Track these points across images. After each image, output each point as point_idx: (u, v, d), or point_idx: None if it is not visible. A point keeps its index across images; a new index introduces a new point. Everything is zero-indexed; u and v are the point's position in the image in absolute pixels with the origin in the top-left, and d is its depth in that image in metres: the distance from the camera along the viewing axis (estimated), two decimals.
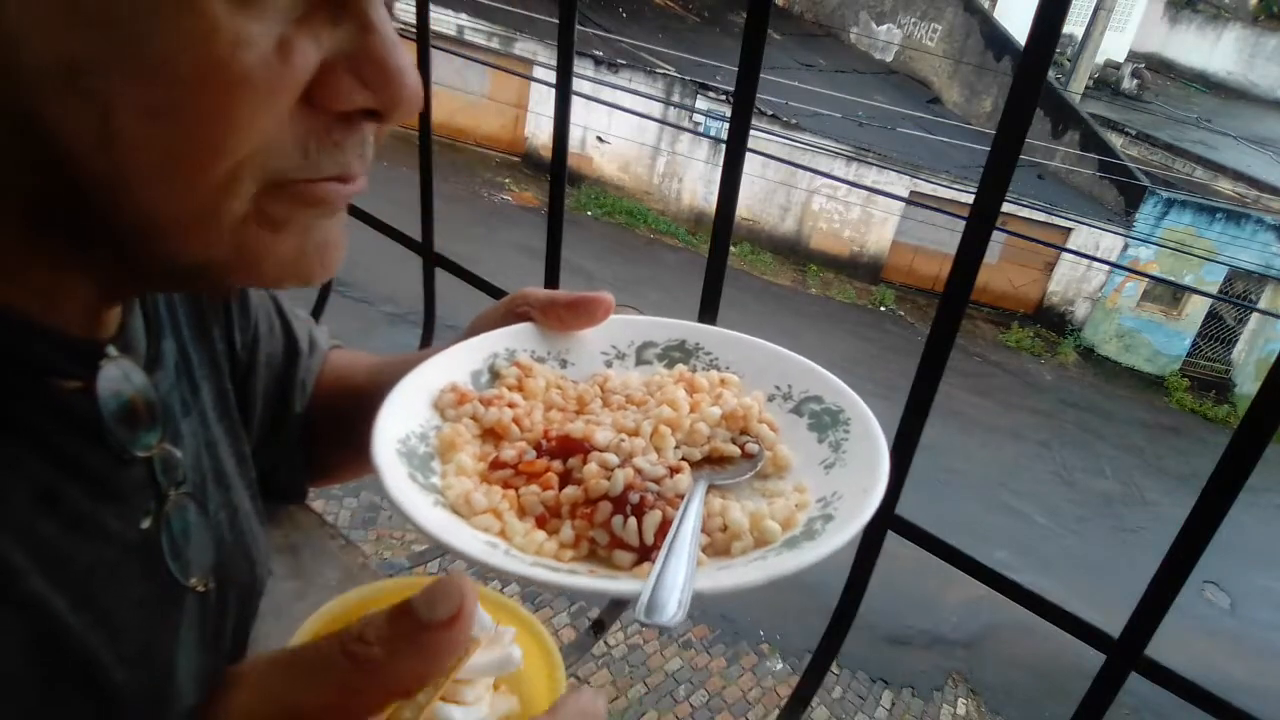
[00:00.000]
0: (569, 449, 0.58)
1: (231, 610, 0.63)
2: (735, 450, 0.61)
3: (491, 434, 0.62)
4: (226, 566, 0.62)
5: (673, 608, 0.44)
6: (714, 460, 0.60)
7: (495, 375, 0.68)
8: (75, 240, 0.42)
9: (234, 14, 0.36)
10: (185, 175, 0.39)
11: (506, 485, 0.57)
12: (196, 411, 0.62)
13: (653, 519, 0.53)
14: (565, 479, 0.57)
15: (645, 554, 0.52)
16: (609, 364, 0.73)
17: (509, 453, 0.59)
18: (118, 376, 0.50)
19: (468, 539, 0.50)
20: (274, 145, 0.40)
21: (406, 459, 0.56)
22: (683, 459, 0.59)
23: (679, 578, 0.46)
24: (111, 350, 0.50)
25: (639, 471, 0.56)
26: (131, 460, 0.51)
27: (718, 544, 0.54)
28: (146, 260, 0.43)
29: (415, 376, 0.64)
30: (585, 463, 0.57)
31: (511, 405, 0.63)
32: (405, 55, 0.43)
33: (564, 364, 0.72)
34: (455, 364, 0.67)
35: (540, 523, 0.55)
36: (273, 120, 0.39)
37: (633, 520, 0.53)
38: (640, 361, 0.73)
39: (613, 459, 0.57)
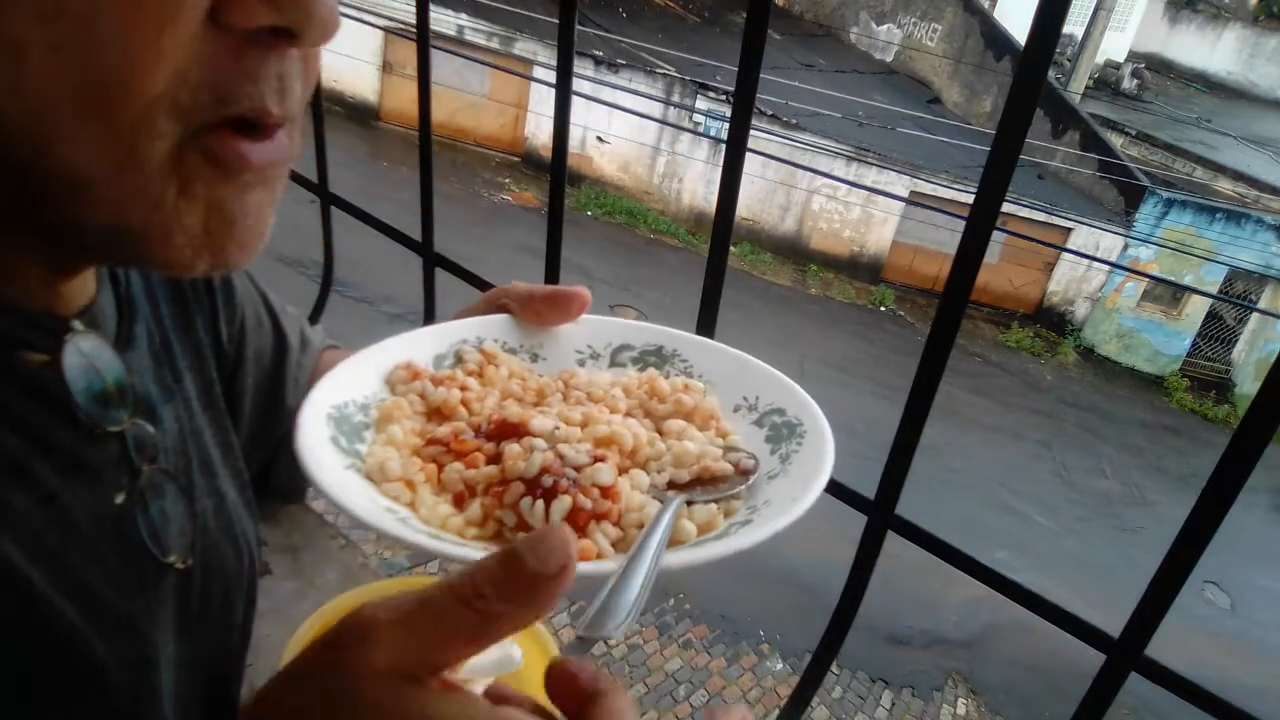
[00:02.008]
0: (505, 432, 0.57)
1: (216, 596, 0.63)
2: (728, 468, 0.59)
3: (438, 414, 0.62)
4: (210, 551, 0.61)
5: (620, 619, 0.43)
6: (705, 481, 0.58)
7: (459, 360, 0.68)
8: (8, 204, 0.41)
9: None
10: (99, 115, 0.37)
11: (435, 461, 0.57)
12: (181, 398, 0.62)
13: (561, 505, 0.51)
14: (495, 461, 0.56)
15: None
16: (581, 363, 0.72)
17: (443, 430, 0.59)
18: (86, 351, 0.50)
19: (363, 501, 0.49)
20: (184, 78, 0.39)
21: (336, 423, 0.56)
22: (670, 482, 0.58)
23: (631, 594, 0.45)
24: (77, 325, 0.49)
25: (561, 457, 0.54)
26: (103, 435, 0.51)
27: (629, 540, 0.53)
28: (69, 224, 0.42)
29: (372, 350, 0.64)
30: (515, 445, 0.56)
31: (464, 388, 0.63)
32: None
33: (535, 358, 0.71)
34: (419, 344, 0.67)
35: (457, 500, 0.54)
36: (178, 42, 0.38)
37: (540, 504, 0.52)
38: (614, 363, 0.73)
39: (541, 443, 0.56)
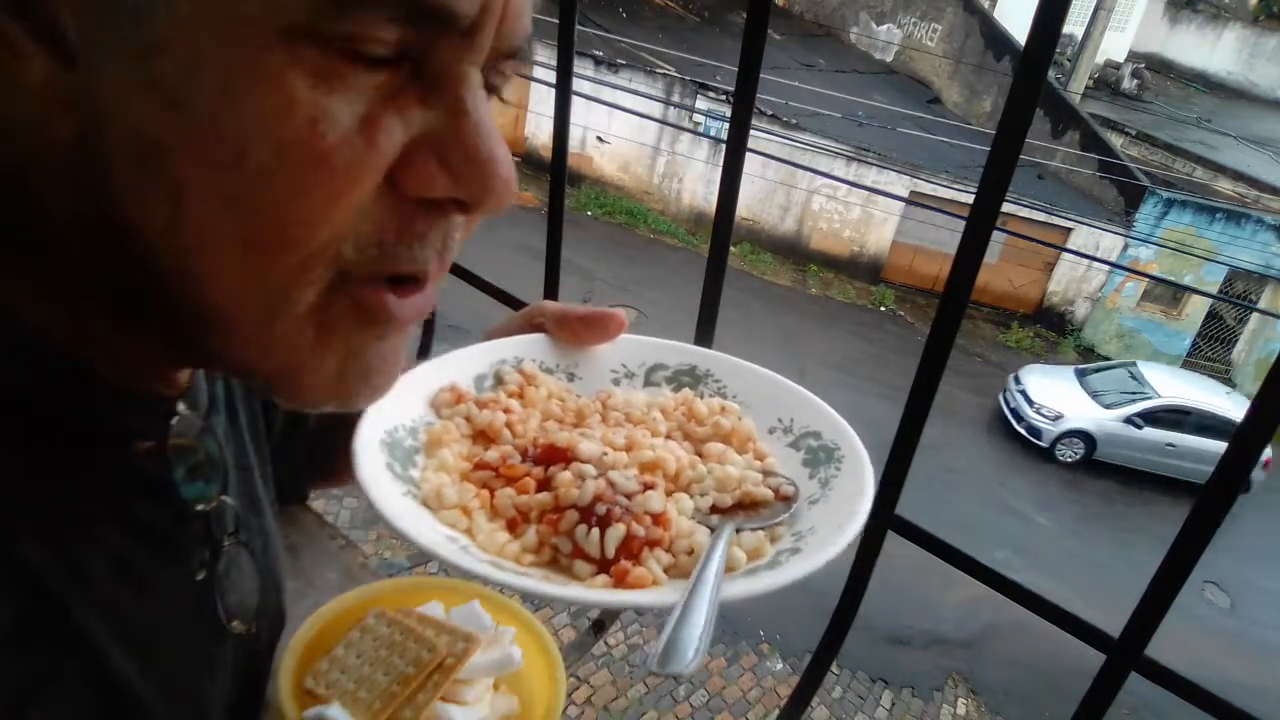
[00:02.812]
0: (553, 457, 0.58)
1: (264, 642, 0.63)
2: (768, 493, 0.60)
3: (484, 436, 0.63)
4: (264, 603, 0.61)
5: (689, 655, 0.43)
6: (745, 505, 0.59)
7: (499, 381, 0.68)
8: (150, 321, 0.40)
9: (315, 91, 0.34)
10: (257, 264, 0.36)
11: (485, 486, 0.57)
12: (235, 441, 0.61)
13: (615, 533, 0.52)
14: (544, 486, 0.57)
15: (604, 567, 0.52)
16: (616, 382, 0.73)
17: (492, 455, 0.59)
18: (187, 433, 0.49)
19: (425, 530, 0.50)
20: (352, 234, 0.38)
21: (389, 449, 0.57)
22: (713, 506, 0.58)
23: (697, 628, 0.45)
24: (181, 407, 0.49)
25: (612, 484, 0.55)
26: (192, 516, 0.51)
27: (681, 566, 0.53)
28: (207, 351, 0.41)
29: (415, 374, 0.64)
30: (565, 471, 0.57)
31: (507, 410, 0.64)
32: (500, 145, 0.40)
33: (571, 377, 0.72)
34: (460, 365, 0.68)
35: (511, 526, 0.55)
36: (353, 204, 0.37)
37: (596, 531, 0.52)
38: (649, 383, 0.73)
39: (590, 470, 0.56)
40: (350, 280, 0.39)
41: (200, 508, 0.51)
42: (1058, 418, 10.62)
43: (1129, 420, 10.76)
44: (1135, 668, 0.77)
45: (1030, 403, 10.87)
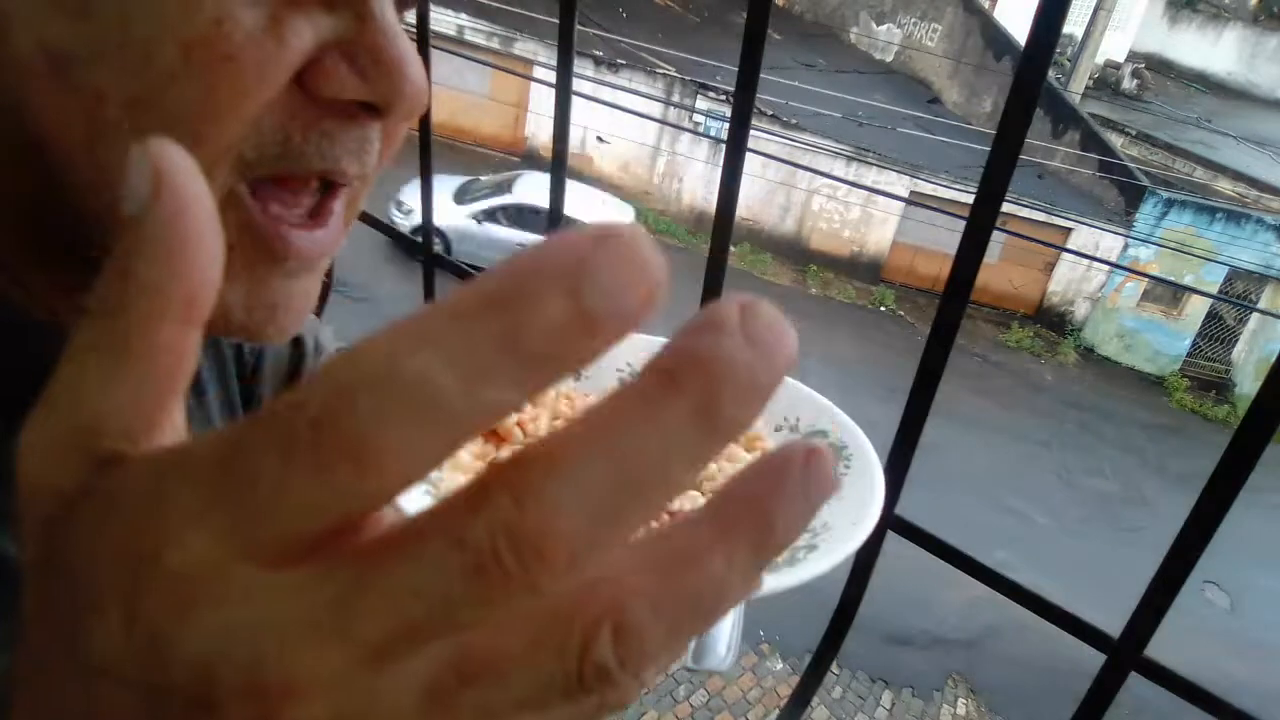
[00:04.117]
0: None
1: None
2: None
3: (495, 436, 0.63)
4: None
5: (722, 650, 0.43)
6: None
7: None
8: (69, 248, 0.40)
9: None
10: None
11: None
12: (200, 416, 0.61)
13: None
14: None
15: None
16: (623, 380, 0.73)
17: (504, 454, 0.59)
18: None
19: None
20: (254, 128, 0.38)
21: None
22: None
23: (727, 623, 0.45)
24: None
25: None
26: None
27: None
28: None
29: None
30: None
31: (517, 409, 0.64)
32: (407, 46, 0.40)
33: (579, 376, 0.72)
34: None
35: None
36: (260, 103, 0.37)
37: None
38: None
39: None
40: (247, 192, 0.39)
41: None
42: (410, 212, 10.67)
43: (475, 217, 11.16)
44: (1135, 668, 0.77)
45: (399, 206, 10.93)
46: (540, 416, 0.65)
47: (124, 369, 0.19)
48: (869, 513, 0.55)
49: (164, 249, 0.19)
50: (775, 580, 0.50)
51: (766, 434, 0.67)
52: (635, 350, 0.74)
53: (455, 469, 0.58)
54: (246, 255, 0.40)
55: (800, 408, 0.69)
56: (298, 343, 0.82)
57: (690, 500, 0.57)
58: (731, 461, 0.62)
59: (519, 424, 0.63)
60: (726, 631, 0.44)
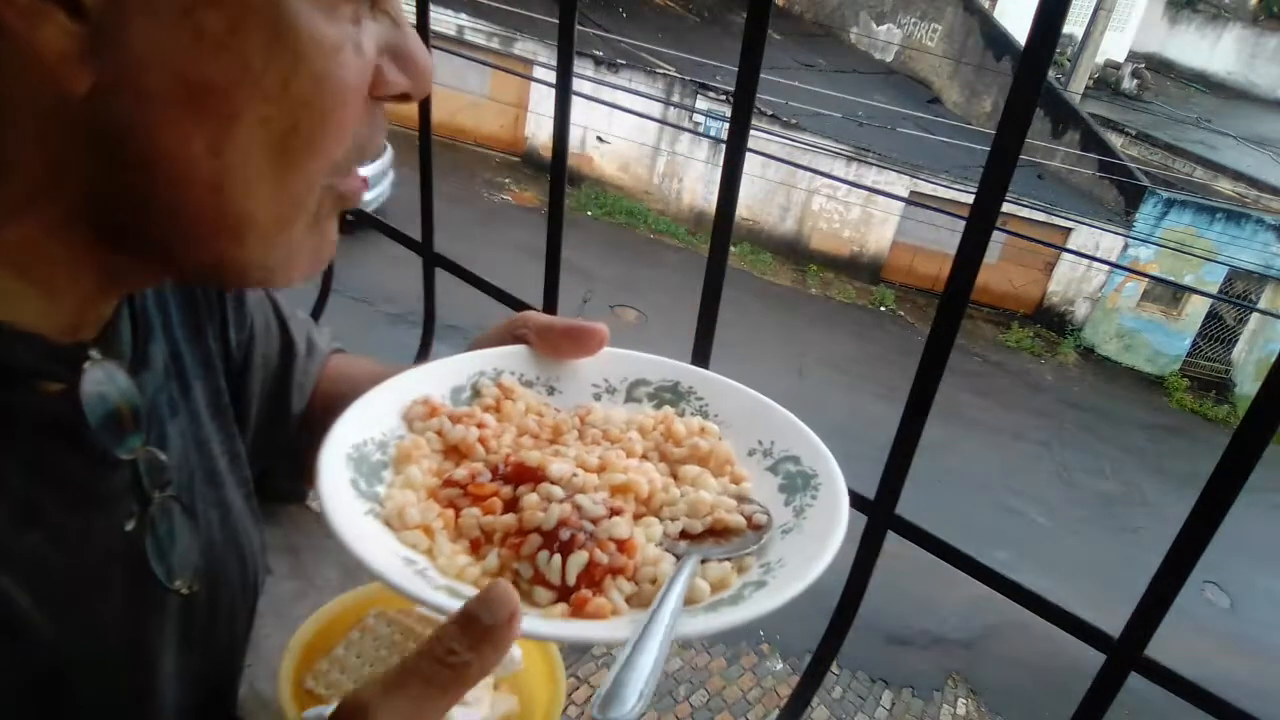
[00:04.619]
0: (523, 476, 0.57)
1: (222, 610, 0.63)
2: (741, 521, 0.58)
3: (456, 452, 0.61)
4: (215, 567, 0.61)
5: (632, 700, 0.41)
6: (716, 532, 0.57)
7: (476, 393, 0.67)
8: (110, 236, 0.44)
9: (326, 22, 0.41)
10: (286, 177, 0.43)
11: (452, 505, 0.56)
12: (187, 411, 0.61)
13: (577, 560, 0.51)
14: (512, 506, 0.55)
15: (564, 595, 0.50)
16: (598, 396, 0.71)
17: (460, 472, 0.58)
18: (101, 379, 0.49)
19: (381, 553, 0.49)
20: (352, 137, 0.45)
21: (355, 464, 0.55)
22: (683, 532, 0.57)
23: (644, 671, 0.43)
24: (94, 353, 0.49)
25: (578, 508, 0.54)
26: (115, 464, 0.51)
27: (644, 595, 0.52)
28: (195, 259, 0.46)
29: (390, 384, 0.63)
30: (532, 493, 0.55)
31: (480, 425, 0.62)
32: (419, 39, 0.49)
33: (551, 391, 0.71)
34: (436, 377, 0.66)
35: (474, 547, 0.54)
36: (359, 115, 0.44)
37: (558, 558, 0.51)
38: (630, 399, 0.72)
39: (558, 492, 0.55)
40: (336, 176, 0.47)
41: (124, 457, 0.51)
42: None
43: None
44: (1135, 668, 0.77)
45: None
46: (505, 433, 0.63)
47: (453, 698, 0.42)
48: (825, 552, 0.52)
49: (499, 654, 0.42)
50: (713, 620, 0.48)
51: (740, 457, 0.66)
52: (610, 365, 0.73)
53: (407, 486, 0.56)
54: (329, 214, 0.49)
55: (776, 431, 0.67)
56: (288, 341, 0.83)
57: (650, 529, 0.56)
58: (695, 487, 0.61)
59: (482, 441, 0.61)
60: (641, 681, 0.43)
